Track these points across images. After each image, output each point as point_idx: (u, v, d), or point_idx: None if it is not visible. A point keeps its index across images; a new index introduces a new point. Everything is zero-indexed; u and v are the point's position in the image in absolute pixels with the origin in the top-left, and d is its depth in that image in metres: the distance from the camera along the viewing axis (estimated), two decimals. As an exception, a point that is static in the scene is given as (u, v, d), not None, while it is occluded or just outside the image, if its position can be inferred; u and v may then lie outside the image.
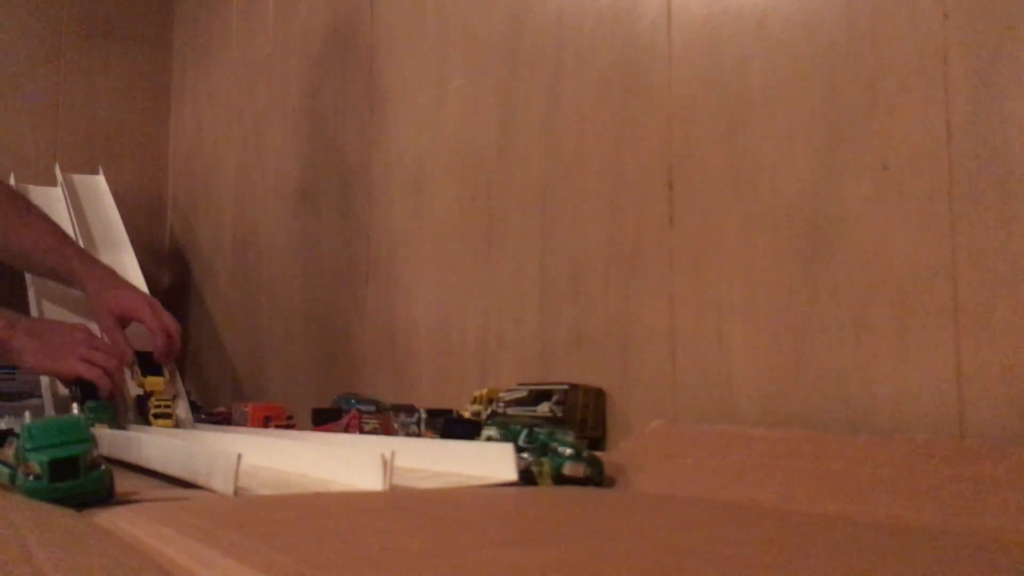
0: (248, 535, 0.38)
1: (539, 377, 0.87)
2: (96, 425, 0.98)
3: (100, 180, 1.70)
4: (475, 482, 0.62)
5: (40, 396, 1.19)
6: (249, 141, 1.59)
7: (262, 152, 1.53)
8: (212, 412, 1.27)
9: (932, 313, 0.56)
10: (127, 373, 1.14)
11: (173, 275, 1.90)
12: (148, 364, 1.14)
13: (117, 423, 1.03)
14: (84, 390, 1.07)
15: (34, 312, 1.23)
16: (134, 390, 1.14)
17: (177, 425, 1.10)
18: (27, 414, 0.80)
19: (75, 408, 1.04)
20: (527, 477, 0.62)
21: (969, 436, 0.54)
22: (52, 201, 1.55)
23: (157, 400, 1.10)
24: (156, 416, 1.08)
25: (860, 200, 0.60)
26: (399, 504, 0.51)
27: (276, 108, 1.49)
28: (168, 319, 1.15)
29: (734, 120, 0.70)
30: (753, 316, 0.67)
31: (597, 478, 0.62)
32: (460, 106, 1.02)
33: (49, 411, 1.15)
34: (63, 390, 1.10)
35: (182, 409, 1.15)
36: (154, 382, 1.12)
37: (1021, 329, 0.52)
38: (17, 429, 0.59)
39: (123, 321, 1.15)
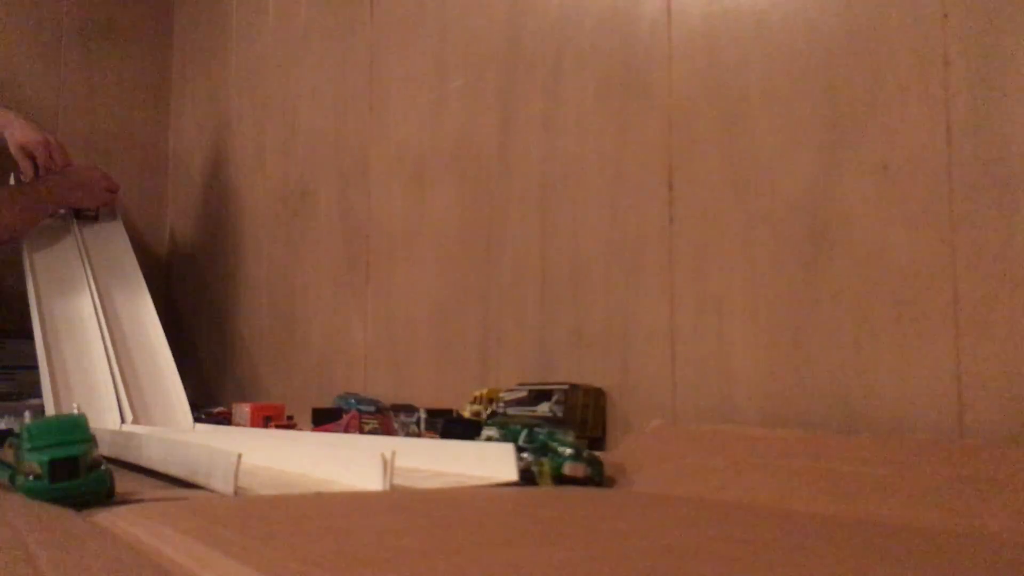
0: (248, 535, 0.38)
1: (539, 377, 0.87)
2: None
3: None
4: (475, 482, 0.62)
5: (40, 396, 1.20)
6: (249, 141, 1.59)
7: (262, 152, 1.53)
8: (212, 412, 1.27)
9: (932, 313, 0.56)
10: None
11: (173, 274, 1.90)
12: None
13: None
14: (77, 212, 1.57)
15: (27, 270, 1.42)
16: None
17: None
18: (27, 414, 0.79)
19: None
20: (527, 477, 0.62)
21: (969, 436, 0.54)
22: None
23: None
24: None
25: (860, 200, 0.60)
26: (399, 504, 0.51)
27: (276, 108, 1.49)
28: (59, 156, 1.54)
29: (734, 120, 0.70)
30: (753, 316, 0.67)
31: (597, 478, 0.62)
32: (460, 106, 1.02)
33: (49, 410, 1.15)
34: None
35: None
36: None
37: (1021, 329, 0.52)
38: (17, 429, 0.59)
39: (27, 150, 1.54)
